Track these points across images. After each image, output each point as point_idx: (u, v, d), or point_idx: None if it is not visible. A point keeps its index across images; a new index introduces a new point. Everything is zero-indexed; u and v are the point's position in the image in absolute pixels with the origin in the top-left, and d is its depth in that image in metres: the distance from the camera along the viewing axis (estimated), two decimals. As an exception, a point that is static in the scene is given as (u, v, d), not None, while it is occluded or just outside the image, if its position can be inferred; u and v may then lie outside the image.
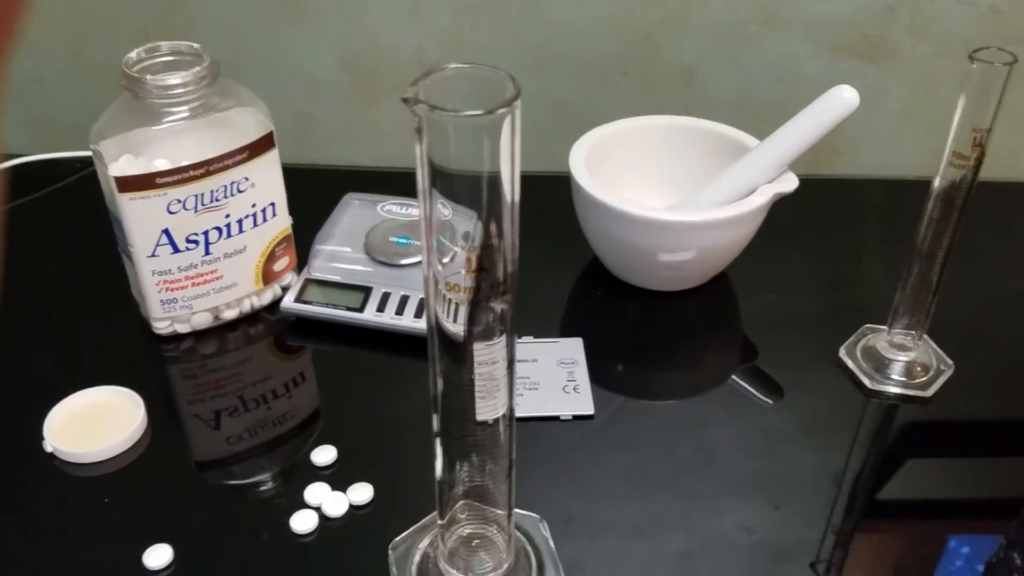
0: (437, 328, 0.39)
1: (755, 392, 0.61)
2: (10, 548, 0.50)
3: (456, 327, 0.39)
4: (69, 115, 0.83)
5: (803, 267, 0.73)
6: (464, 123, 0.32)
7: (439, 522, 0.46)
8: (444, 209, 0.36)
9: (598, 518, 0.52)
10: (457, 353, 0.40)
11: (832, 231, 0.77)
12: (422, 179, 0.35)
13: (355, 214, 0.69)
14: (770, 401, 0.61)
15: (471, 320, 0.38)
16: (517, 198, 0.35)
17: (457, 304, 0.39)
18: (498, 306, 0.37)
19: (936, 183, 0.55)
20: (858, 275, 0.73)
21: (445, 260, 0.37)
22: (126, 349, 0.64)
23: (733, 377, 0.63)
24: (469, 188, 0.35)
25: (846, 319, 0.65)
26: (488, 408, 0.42)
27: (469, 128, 0.32)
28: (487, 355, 0.40)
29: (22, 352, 0.63)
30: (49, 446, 0.55)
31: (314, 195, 0.69)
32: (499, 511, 0.46)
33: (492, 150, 0.34)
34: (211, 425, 0.58)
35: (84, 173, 0.79)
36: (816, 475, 0.55)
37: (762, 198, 0.62)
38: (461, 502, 0.46)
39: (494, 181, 0.35)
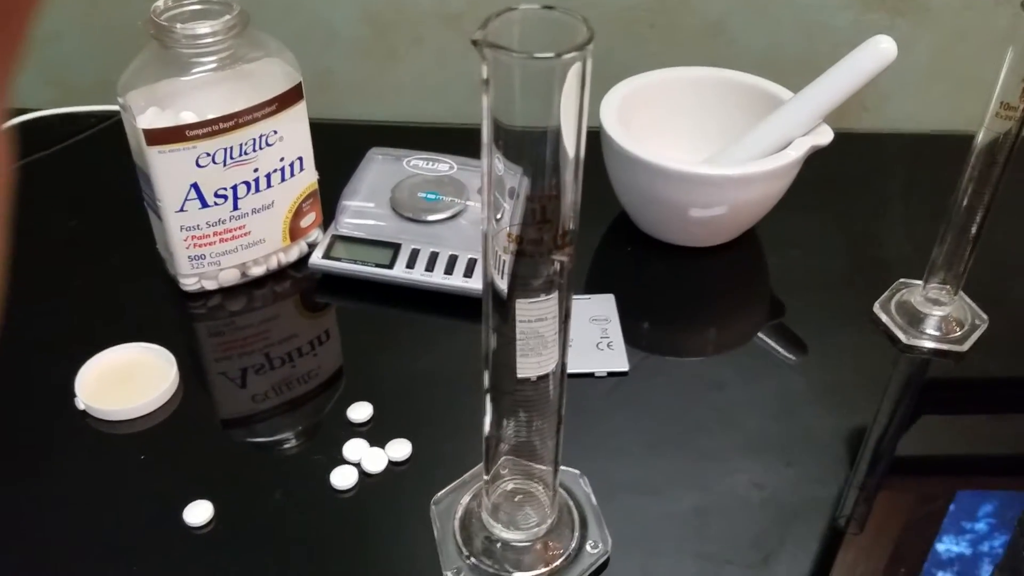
0: (492, 284, 0.39)
1: (780, 349, 0.61)
2: (46, 507, 0.50)
3: (503, 282, 0.39)
4: (86, 71, 0.82)
5: (831, 224, 0.72)
6: (534, 67, 0.31)
7: (484, 477, 0.46)
8: (499, 164, 0.35)
9: (612, 476, 0.51)
10: (510, 310, 0.39)
11: (859, 187, 0.76)
12: (486, 132, 0.34)
13: (380, 170, 0.68)
14: (794, 358, 0.60)
15: (533, 274, 0.37)
16: (582, 148, 0.34)
17: (504, 259, 0.38)
18: (559, 258, 0.36)
19: (980, 135, 0.54)
20: (886, 232, 0.72)
21: (497, 216, 0.37)
22: (153, 306, 0.63)
23: (759, 335, 0.62)
24: (530, 141, 0.34)
25: (875, 276, 0.65)
26: (530, 365, 0.41)
27: (540, 72, 0.31)
28: (537, 311, 0.39)
29: (48, 310, 0.62)
30: (81, 403, 0.54)
31: (336, 151, 0.68)
32: (543, 467, 0.46)
33: (555, 98, 0.33)
34: (238, 383, 0.58)
35: (101, 127, 0.78)
36: (835, 434, 0.55)
37: (797, 152, 0.61)
38: (505, 458, 0.46)
39: (557, 133, 0.34)
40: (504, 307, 0.39)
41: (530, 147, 0.34)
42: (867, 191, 0.76)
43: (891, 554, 0.49)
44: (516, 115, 0.33)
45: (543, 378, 0.42)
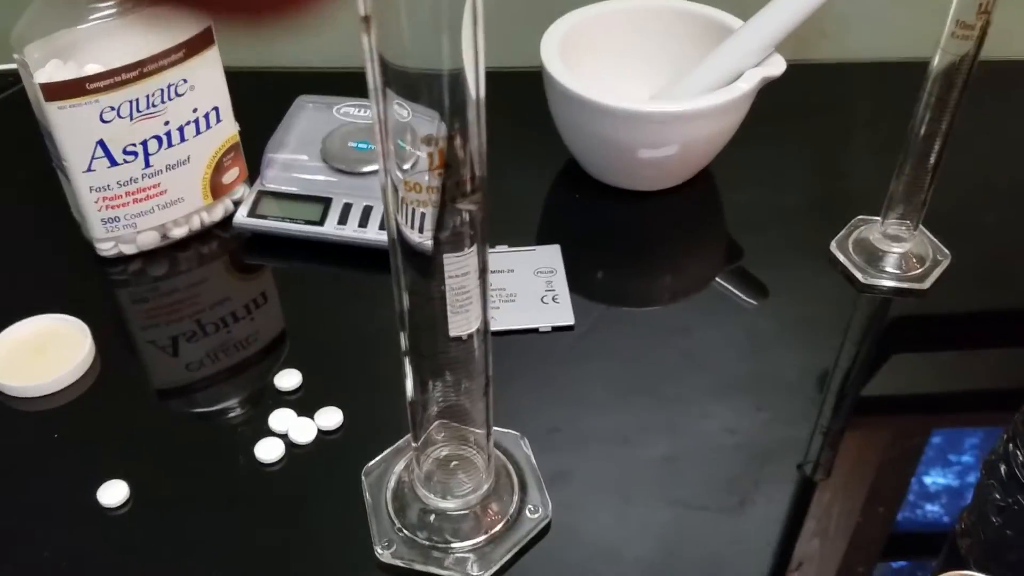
0: (400, 239, 0.35)
1: (740, 294, 0.58)
2: (-46, 492, 0.47)
3: (421, 237, 0.35)
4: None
5: (789, 159, 0.69)
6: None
7: (413, 445, 0.43)
8: (401, 110, 0.32)
9: (582, 427, 0.50)
10: (424, 265, 0.36)
11: (819, 120, 0.73)
12: (372, 76, 0.31)
13: (309, 119, 0.64)
14: (755, 302, 0.58)
15: (439, 227, 0.34)
16: (482, 87, 0.31)
17: (422, 212, 0.35)
18: (466, 208, 0.33)
19: (936, 59, 0.50)
20: (847, 165, 0.69)
21: (406, 166, 0.33)
22: (69, 274, 0.59)
23: (718, 279, 0.59)
24: (427, 82, 0.31)
25: (836, 212, 0.62)
26: (461, 323, 0.38)
27: (426, 2, 0.28)
28: (457, 266, 0.36)
29: (-44, 282, 0.58)
30: (-10, 381, 0.51)
31: (262, 100, 0.63)
32: (477, 430, 0.43)
33: (452, 32, 0.29)
34: (167, 352, 0.55)
35: (15, 90, 0.73)
36: (804, 374, 0.53)
37: (748, 84, 0.58)
38: (436, 423, 0.43)
39: (456, 72, 0.30)
40: (427, 263, 0.36)
41: (426, 89, 0.31)
42: (827, 123, 0.72)
43: (867, 493, 0.48)
44: (407, 54, 0.30)
45: (469, 336, 0.39)
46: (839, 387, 0.53)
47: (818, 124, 0.72)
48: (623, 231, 0.63)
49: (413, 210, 0.35)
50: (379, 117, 0.32)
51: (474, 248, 0.36)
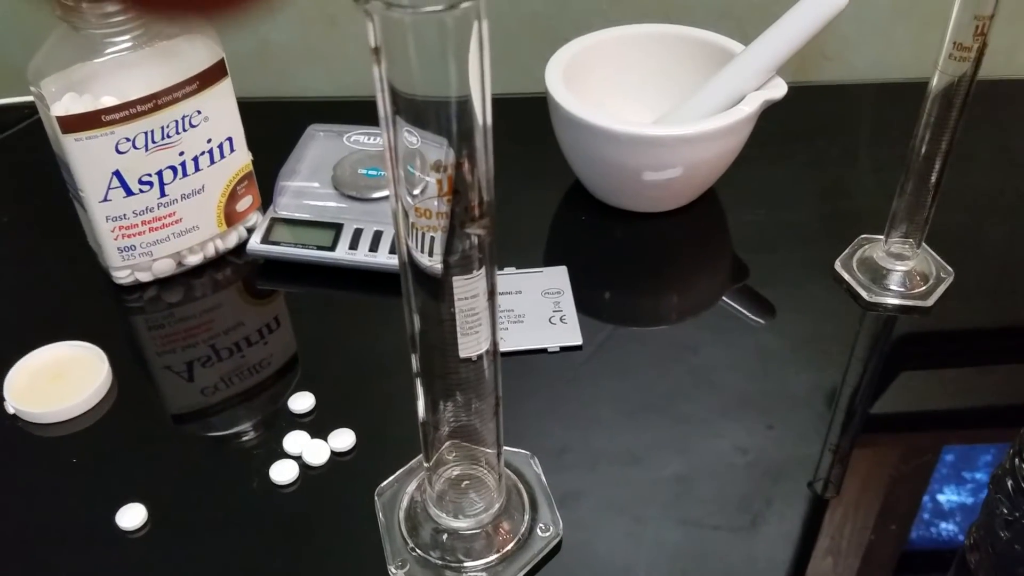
0: (410, 263, 0.36)
1: (747, 312, 0.59)
2: (-25, 517, 0.48)
3: (431, 261, 0.36)
4: (13, 57, 0.78)
5: (793, 180, 0.70)
6: (426, 23, 0.28)
7: (425, 465, 0.44)
8: (411, 137, 0.33)
9: (593, 447, 0.50)
10: (434, 288, 0.37)
11: (822, 140, 0.73)
12: (383, 104, 0.32)
13: (320, 147, 0.65)
14: (762, 321, 0.58)
15: (448, 251, 0.34)
16: (489, 114, 0.32)
17: (432, 236, 0.36)
18: (475, 232, 0.34)
19: (935, 80, 0.51)
20: (851, 185, 0.70)
21: (416, 191, 0.34)
22: (86, 302, 0.60)
23: (724, 298, 0.60)
24: (435, 110, 0.32)
25: (840, 231, 0.63)
26: (471, 344, 0.39)
27: (433, 32, 0.29)
28: (466, 288, 0.37)
29: (-24, 310, 0.60)
30: (11, 407, 0.52)
31: (275, 129, 0.65)
32: (488, 450, 0.43)
33: (459, 62, 0.30)
34: (183, 377, 0.55)
35: (32, 120, 0.75)
36: (811, 392, 0.53)
37: (750, 107, 0.59)
38: (448, 443, 0.43)
39: (463, 99, 0.31)
40: (437, 286, 0.37)
41: (435, 117, 0.32)
42: (828, 144, 0.73)
43: (879, 510, 0.48)
44: (416, 83, 0.31)
45: (479, 357, 0.40)
46: (847, 404, 0.53)
47: (820, 144, 0.73)
48: (629, 252, 0.64)
49: (423, 234, 0.36)
50: (389, 144, 0.33)
51: (483, 271, 0.36)
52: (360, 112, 0.68)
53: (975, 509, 0.48)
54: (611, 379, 0.54)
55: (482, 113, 0.32)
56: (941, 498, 0.49)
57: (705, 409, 0.52)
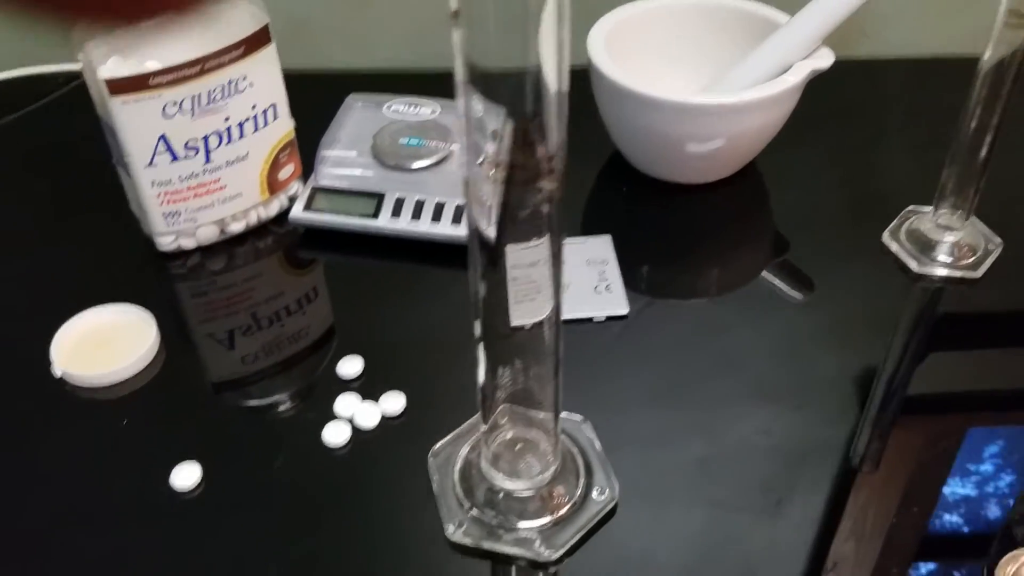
0: (476, 229, 0.36)
1: (788, 288, 0.59)
2: (27, 479, 0.48)
3: (491, 228, 0.36)
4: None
5: (832, 156, 0.69)
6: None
7: (482, 427, 0.44)
8: (477, 105, 0.32)
9: (620, 423, 0.49)
10: (497, 255, 0.37)
11: (860, 117, 0.73)
12: (459, 70, 0.31)
13: (359, 117, 0.65)
14: (804, 296, 0.58)
15: (519, 204, 0.34)
16: (567, 83, 0.31)
17: (494, 202, 0.35)
18: (546, 186, 0.34)
19: (988, 50, 0.51)
20: (890, 161, 0.69)
21: (479, 160, 0.34)
22: (129, 268, 0.60)
23: (765, 273, 0.60)
24: (508, 78, 0.31)
25: (879, 207, 0.62)
26: (529, 311, 0.39)
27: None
28: (526, 255, 0.37)
29: (16, 274, 0.59)
30: (58, 370, 0.52)
31: (312, 102, 0.64)
32: (544, 414, 0.43)
33: (535, 25, 0.30)
34: (225, 344, 0.55)
35: (69, 88, 0.75)
36: (857, 370, 0.53)
37: (797, 76, 0.58)
38: (506, 406, 0.43)
39: (536, 67, 0.31)
40: (493, 253, 0.37)
41: (508, 82, 0.31)
42: (868, 120, 0.73)
43: (902, 495, 0.48)
44: (491, 49, 0.31)
45: (538, 324, 0.39)
46: (886, 384, 0.53)
47: (861, 121, 0.72)
48: (669, 224, 0.64)
49: (487, 202, 0.35)
50: (464, 112, 0.32)
51: (548, 239, 0.36)
52: (396, 85, 0.68)
53: (998, 493, 0.47)
54: (641, 354, 0.53)
55: (557, 79, 0.31)
56: (965, 480, 0.48)
57: (734, 389, 0.51)
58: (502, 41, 0.31)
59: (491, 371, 0.41)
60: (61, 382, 0.52)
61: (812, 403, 0.51)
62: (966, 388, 0.54)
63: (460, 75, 0.31)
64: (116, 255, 0.61)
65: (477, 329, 0.40)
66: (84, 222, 0.63)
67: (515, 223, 0.36)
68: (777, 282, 0.59)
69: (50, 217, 0.64)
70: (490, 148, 0.33)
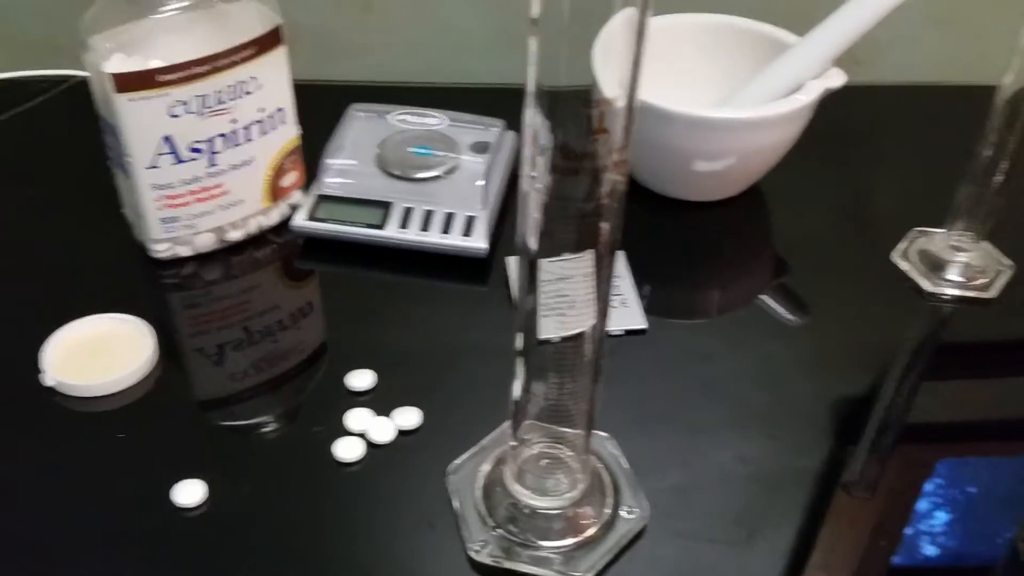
0: (525, 243, 0.35)
1: (790, 309, 0.58)
2: (17, 491, 0.45)
3: (535, 241, 0.36)
4: (34, 30, 0.75)
5: (832, 178, 0.69)
6: None
7: (511, 443, 0.42)
8: (537, 118, 0.32)
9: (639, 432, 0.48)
10: (535, 269, 0.36)
11: (858, 143, 0.73)
12: (532, 79, 0.31)
13: (363, 127, 0.63)
14: (808, 318, 0.57)
15: (584, 196, 0.33)
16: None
17: (538, 217, 0.35)
18: (615, 178, 0.32)
19: (1010, 75, 0.51)
20: (890, 184, 0.69)
21: (532, 173, 0.33)
22: (121, 276, 0.57)
23: (763, 296, 0.59)
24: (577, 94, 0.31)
25: (884, 229, 0.62)
26: (556, 325, 0.38)
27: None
28: (560, 270, 0.37)
29: (6, 280, 0.56)
30: (50, 379, 0.49)
31: (314, 112, 0.62)
32: (575, 430, 0.42)
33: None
34: (224, 357, 0.53)
35: (53, 94, 0.72)
36: (842, 396, 0.52)
37: (809, 95, 0.58)
38: (529, 421, 0.42)
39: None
40: (534, 267, 0.36)
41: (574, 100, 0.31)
42: (865, 145, 0.73)
43: (873, 525, 0.46)
44: (561, 65, 0.31)
45: (577, 338, 0.38)
46: (884, 412, 0.52)
47: (859, 147, 0.73)
48: (673, 242, 0.63)
49: (532, 216, 0.35)
50: (528, 123, 0.32)
51: (594, 255, 0.36)
52: (397, 98, 0.67)
53: (974, 520, 0.47)
54: (649, 369, 0.52)
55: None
56: (938, 513, 0.47)
57: (715, 419, 0.50)
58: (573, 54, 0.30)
59: (527, 385, 0.40)
60: (52, 391, 0.49)
61: (788, 430, 0.49)
62: (955, 417, 0.53)
63: (531, 84, 0.31)
64: (108, 262, 0.58)
65: (519, 342, 0.39)
66: (74, 228, 0.60)
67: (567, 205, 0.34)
68: (776, 305, 0.58)
69: (40, 222, 0.61)
70: (541, 161, 0.33)
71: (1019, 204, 0.58)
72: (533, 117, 0.32)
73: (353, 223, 0.58)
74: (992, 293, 0.57)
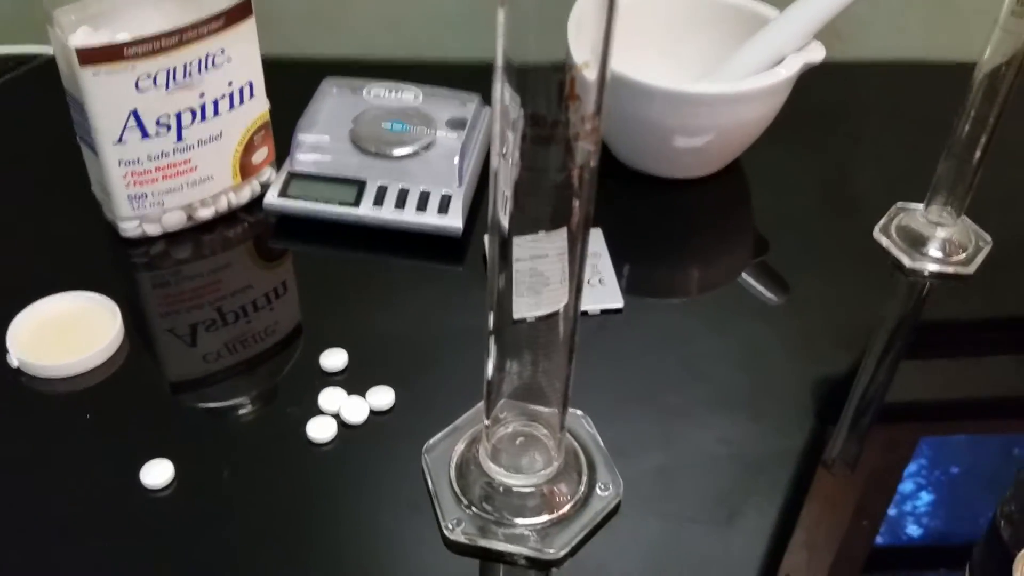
0: (496, 221, 0.35)
1: (767, 288, 0.57)
2: (-20, 475, 0.44)
3: (508, 219, 0.35)
4: (2, 6, 0.73)
5: (812, 156, 0.69)
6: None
7: (485, 421, 0.41)
8: (507, 93, 0.31)
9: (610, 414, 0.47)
10: (508, 247, 0.35)
11: (836, 120, 0.72)
12: (500, 54, 0.30)
13: (336, 102, 0.62)
14: (780, 298, 0.57)
15: (558, 165, 0.32)
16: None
17: (509, 193, 0.34)
18: (585, 146, 0.32)
19: (988, 50, 0.50)
20: (869, 161, 0.69)
21: (503, 150, 0.33)
22: (88, 254, 0.56)
23: (744, 274, 0.58)
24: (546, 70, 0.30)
25: (862, 205, 0.62)
26: (530, 304, 0.37)
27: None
28: (534, 249, 0.36)
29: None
30: (15, 360, 0.48)
31: (284, 88, 0.61)
32: (549, 409, 0.41)
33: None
34: (193, 336, 0.52)
35: (21, 71, 0.70)
36: (823, 375, 0.52)
37: (790, 69, 0.58)
38: (512, 401, 0.41)
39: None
40: (505, 245, 0.35)
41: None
42: (844, 122, 0.72)
43: (855, 505, 0.46)
44: (531, 35, 0.30)
45: (551, 317, 0.37)
46: (863, 390, 0.52)
47: (835, 123, 0.72)
48: (652, 219, 0.62)
49: (504, 193, 0.34)
50: (498, 98, 0.31)
51: (566, 232, 0.35)
52: (370, 75, 0.65)
53: (955, 502, 0.47)
54: (628, 348, 0.52)
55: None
56: (923, 493, 0.47)
57: (693, 398, 0.49)
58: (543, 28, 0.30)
59: (499, 365, 0.39)
60: (17, 372, 0.48)
61: (769, 412, 0.49)
62: (937, 396, 0.53)
63: (500, 56, 0.30)
64: (76, 240, 0.57)
65: (490, 321, 0.38)
66: (42, 207, 0.59)
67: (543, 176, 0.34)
68: (756, 284, 0.58)
69: (4, 201, 0.60)
70: (511, 137, 0.32)
71: (998, 180, 0.57)
72: (502, 90, 0.31)
73: (326, 201, 0.57)
74: (971, 269, 0.57)
